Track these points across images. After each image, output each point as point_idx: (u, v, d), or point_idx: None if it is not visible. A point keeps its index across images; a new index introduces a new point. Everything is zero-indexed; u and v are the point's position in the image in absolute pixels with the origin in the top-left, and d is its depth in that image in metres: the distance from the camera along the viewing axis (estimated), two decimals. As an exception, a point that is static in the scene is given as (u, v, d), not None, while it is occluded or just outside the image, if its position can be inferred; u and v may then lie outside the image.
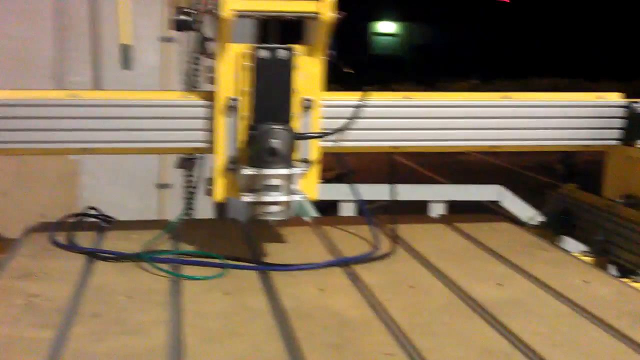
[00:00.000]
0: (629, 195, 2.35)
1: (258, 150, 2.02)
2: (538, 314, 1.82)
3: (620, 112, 2.35)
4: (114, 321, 1.71)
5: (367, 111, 2.25)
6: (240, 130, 2.14)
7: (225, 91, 2.13)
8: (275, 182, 2.02)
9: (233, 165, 2.15)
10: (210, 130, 2.19)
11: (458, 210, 2.90)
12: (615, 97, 2.40)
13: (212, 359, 1.56)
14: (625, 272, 2.33)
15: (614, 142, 2.37)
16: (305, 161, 2.17)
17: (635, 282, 2.18)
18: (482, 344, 1.65)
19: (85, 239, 2.30)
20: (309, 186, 2.17)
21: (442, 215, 2.75)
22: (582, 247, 2.56)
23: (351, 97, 2.25)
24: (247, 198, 2.02)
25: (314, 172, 2.19)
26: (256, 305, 1.84)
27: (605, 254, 2.44)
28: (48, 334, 1.62)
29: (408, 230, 2.47)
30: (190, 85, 2.58)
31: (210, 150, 2.20)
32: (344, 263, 2.15)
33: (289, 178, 2.03)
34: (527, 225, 2.73)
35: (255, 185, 2.03)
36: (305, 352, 1.58)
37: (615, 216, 2.41)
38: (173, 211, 3.15)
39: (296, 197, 2.03)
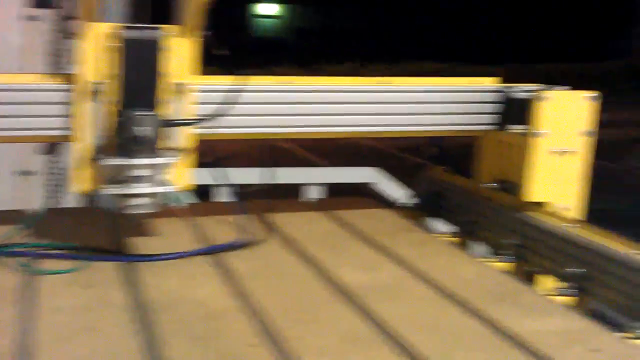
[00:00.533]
0: (503, 180, 2.37)
1: (123, 139, 1.88)
2: (404, 298, 1.84)
3: (494, 97, 2.36)
4: None
5: (244, 96, 2.15)
6: (105, 117, 1.99)
7: (88, 74, 1.97)
8: (140, 172, 1.89)
9: (97, 155, 2.00)
10: (72, 116, 2.03)
11: (337, 193, 2.89)
12: (490, 82, 2.41)
13: (64, 359, 1.47)
14: (492, 252, 2.38)
15: (488, 127, 2.38)
16: (176, 149, 2.05)
17: (500, 262, 2.24)
18: (347, 330, 1.64)
19: None
20: (180, 176, 2.05)
21: (317, 200, 2.75)
22: (451, 228, 2.62)
23: (226, 82, 2.14)
24: (109, 190, 1.89)
25: (186, 161, 2.07)
26: (117, 299, 1.76)
27: (472, 235, 2.49)
28: None
29: (282, 216, 2.44)
30: (55, 68, 2.40)
31: (69, 138, 2.04)
32: (212, 251, 2.08)
33: (156, 168, 1.91)
34: (400, 207, 2.78)
35: (120, 176, 1.90)
36: (165, 346, 1.51)
37: (482, 198, 2.46)
38: (36, 200, 2.95)
39: (165, 189, 1.92)
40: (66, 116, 2.03)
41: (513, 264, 2.26)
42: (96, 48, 1.96)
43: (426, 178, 2.81)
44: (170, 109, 2.02)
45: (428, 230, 2.55)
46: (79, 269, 1.89)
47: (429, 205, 2.76)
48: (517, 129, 2.30)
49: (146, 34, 1.96)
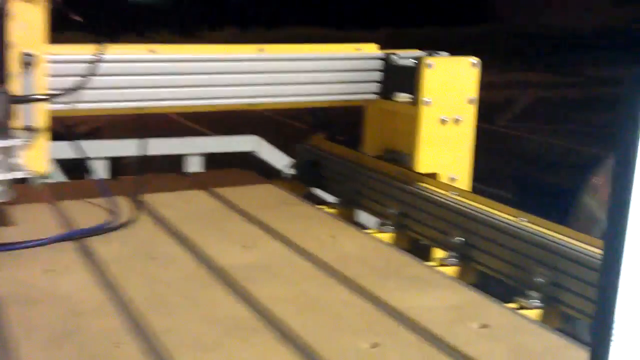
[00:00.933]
0: (391, 150, 2.28)
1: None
2: (285, 278, 1.71)
3: (378, 64, 2.25)
4: None
5: (106, 67, 1.93)
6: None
7: None
8: (-11, 157, 1.66)
9: None
10: None
11: (217, 164, 2.73)
12: (373, 49, 2.30)
13: None
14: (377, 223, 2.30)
15: (372, 97, 2.28)
16: (29, 129, 1.82)
17: (381, 232, 2.16)
18: (224, 317, 1.50)
19: None
20: (36, 159, 1.83)
21: (193, 174, 2.58)
22: (331, 198, 2.53)
23: (85, 51, 1.92)
24: (-46, 178, 1.65)
25: (42, 141, 1.85)
26: None
27: (353, 206, 2.40)
28: None
29: (155, 194, 2.24)
30: None
31: None
32: (77, 236, 1.85)
33: (6, 151, 1.68)
34: (282, 178, 2.66)
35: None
36: (18, 350, 1.31)
37: (362, 167, 2.37)
38: None
39: (17, 174, 1.69)
40: None
41: (396, 235, 2.17)
42: None
43: (305, 147, 2.69)
44: (19, 83, 1.79)
45: (308, 202, 2.41)
46: None
47: (309, 174, 2.65)
48: (402, 97, 2.21)
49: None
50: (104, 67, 1.92)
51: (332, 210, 2.38)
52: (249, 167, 2.65)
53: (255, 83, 2.13)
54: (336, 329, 1.47)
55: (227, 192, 2.35)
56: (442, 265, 1.94)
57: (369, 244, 1.98)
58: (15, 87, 1.77)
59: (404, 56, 2.22)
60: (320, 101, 2.24)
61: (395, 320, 1.51)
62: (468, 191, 2.12)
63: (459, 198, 2.02)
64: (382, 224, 2.21)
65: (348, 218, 2.35)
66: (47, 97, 1.82)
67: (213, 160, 2.63)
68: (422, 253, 2.05)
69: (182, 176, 2.55)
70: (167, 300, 1.56)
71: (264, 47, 2.15)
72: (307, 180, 2.62)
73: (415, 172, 2.20)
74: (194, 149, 2.60)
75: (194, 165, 2.64)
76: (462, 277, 1.90)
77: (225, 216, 2.15)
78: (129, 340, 1.39)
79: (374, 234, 2.13)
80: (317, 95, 2.22)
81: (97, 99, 1.95)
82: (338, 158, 2.52)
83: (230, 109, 2.19)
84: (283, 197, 2.38)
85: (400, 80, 2.20)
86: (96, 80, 1.90)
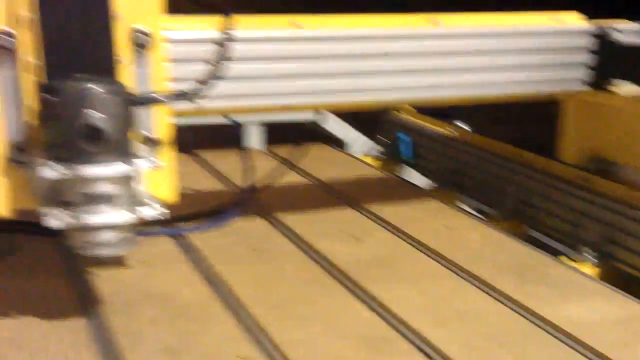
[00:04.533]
0: (599, 159, 1.75)
1: (64, 133, 1.10)
2: (408, 277, 1.50)
3: (588, 41, 1.69)
4: None
5: (238, 50, 1.39)
6: (27, 91, 1.20)
7: None
8: (104, 188, 1.12)
9: (20, 155, 1.21)
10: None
11: (277, 138, 2.53)
12: (578, 20, 1.73)
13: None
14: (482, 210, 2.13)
15: (578, 87, 1.71)
16: (151, 141, 1.28)
17: (494, 220, 1.93)
18: (354, 327, 1.30)
19: None
20: (163, 184, 1.29)
21: (267, 149, 2.40)
22: (428, 180, 2.35)
23: (206, 26, 1.38)
24: (53, 222, 1.10)
25: (168, 158, 1.30)
26: (53, 292, 1.35)
27: (456, 189, 2.18)
28: None
29: (227, 167, 2.15)
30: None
31: None
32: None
33: (127, 181, 1.14)
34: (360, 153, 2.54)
35: (68, 195, 1.12)
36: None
37: (466, 145, 2.17)
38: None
39: (144, 213, 1.15)
40: None
41: (510, 225, 1.91)
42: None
43: (392, 119, 2.50)
44: (132, 75, 1.25)
45: (412, 185, 2.24)
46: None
47: (399, 151, 2.45)
48: (626, 88, 1.65)
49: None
50: (235, 49, 1.38)
51: (435, 195, 2.14)
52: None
53: (428, 69, 1.57)
54: (484, 344, 1.23)
55: (318, 171, 2.19)
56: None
57: (492, 237, 1.75)
58: (128, 80, 1.24)
59: (628, 30, 1.65)
60: (508, 94, 1.67)
61: (554, 337, 1.26)
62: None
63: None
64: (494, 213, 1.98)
65: (448, 202, 2.07)
66: (181, 95, 1.26)
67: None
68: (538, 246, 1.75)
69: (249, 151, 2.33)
70: (285, 305, 1.37)
71: (439, 18, 1.58)
72: (397, 157, 2.39)
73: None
74: (253, 116, 2.35)
75: (253, 138, 2.36)
76: (604, 280, 1.56)
77: (324, 200, 1.99)
78: (256, 355, 1.19)
79: (491, 224, 1.88)
80: (502, 86, 1.64)
81: (229, 94, 1.40)
82: (433, 132, 2.32)
83: (390, 104, 1.67)
84: (379, 177, 2.24)
85: (624, 65, 1.64)
86: (228, 68, 1.36)
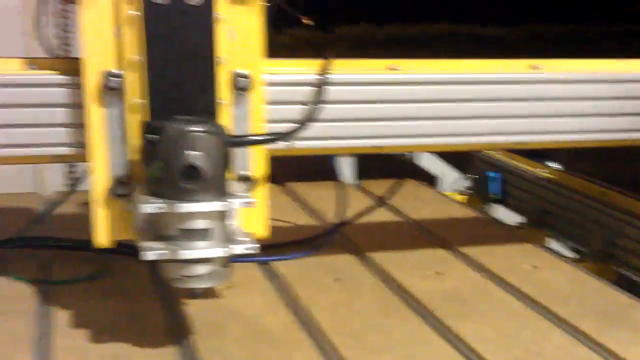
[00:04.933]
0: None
1: (165, 171, 1.15)
2: (487, 314, 1.48)
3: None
4: None
5: (334, 92, 1.41)
6: (132, 129, 1.27)
7: (98, 61, 1.25)
8: (199, 224, 1.16)
9: (123, 189, 1.28)
10: (79, 126, 1.31)
11: (367, 170, 2.59)
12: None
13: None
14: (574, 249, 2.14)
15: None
16: (246, 179, 1.33)
17: (582, 261, 1.93)
18: (429, 357, 1.31)
19: None
20: (255, 219, 1.34)
21: (359, 183, 2.44)
22: (516, 218, 2.35)
23: (304, 69, 1.41)
24: (151, 254, 1.15)
25: (261, 195, 1.36)
26: (148, 313, 1.42)
27: (545, 227, 2.18)
28: None
29: (314, 198, 2.22)
30: (61, 43, 1.86)
31: (82, 157, 1.32)
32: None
33: (222, 216, 1.18)
34: (449, 190, 2.60)
35: (165, 229, 1.17)
36: None
37: (556, 185, 2.16)
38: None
39: (237, 249, 1.18)
40: (74, 126, 1.32)
41: (599, 266, 1.89)
42: (107, 18, 1.24)
43: (483, 157, 2.51)
44: (231, 116, 1.30)
45: (500, 222, 2.25)
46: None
47: (490, 189, 2.45)
48: None
49: (188, -4, 1.23)
50: (331, 91, 1.41)
51: (519, 232, 2.18)
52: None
53: (529, 114, 1.55)
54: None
55: (404, 206, 2.20)
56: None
57: (577, 277, 1.72)
58: (226, 121, 1.29)
59: None
60: (607, 140, 1.62)
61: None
62: None
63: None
64: (579, 252, 2.01)
65: (536, 241, 2.02)
66: (273, 137, 1.31)
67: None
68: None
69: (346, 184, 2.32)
70: (363, 334, 1.38)
71: (539, 63, 1.56)
72: (486, 195, 2.39)
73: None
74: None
75: (346, 169, 2.41)
76: None
77: (409, 235, 2.02)
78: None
79: (578, 264, 1.87)
80: (600, 132, 1.60)
81: (322, 136, 1.43)
82: (525, 172, 2.32)
83: (489, 148, 1.66)
84: (467, 214, 2.23)
85: None
86: (324, 110, 1.39)
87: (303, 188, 2.43)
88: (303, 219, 2.12)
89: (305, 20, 1.41)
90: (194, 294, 1.24)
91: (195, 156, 1.14)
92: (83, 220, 1.57)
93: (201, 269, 1.17)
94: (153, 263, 1.18)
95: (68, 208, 1.95)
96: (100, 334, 1.34)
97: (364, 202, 2.15)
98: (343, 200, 1.90)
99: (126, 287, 1.57)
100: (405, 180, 2.14)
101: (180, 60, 1.23)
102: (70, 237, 1.78)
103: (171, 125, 1.15)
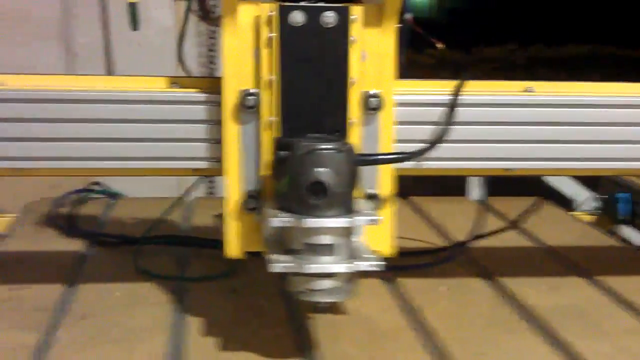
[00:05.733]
0: None
1: (293, 186, 1.19)
2: (609, 333, 1.44)
3: None
4: (107, 325, 1.42)
5: (466, 112, 1.41)
6: (265, 146, 1.32)
7: (236, 80, 1.31)
8: (325, 239, 1.18)
9: (254, 203, 1.33)
10: (216, 142, 1.38)
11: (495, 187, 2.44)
12: None
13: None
14: None
15: None
16: (373, 197, 1.34)
17: None
18: None
19: (87, 219, 2.11)
20: (381, 237, 1.35)
21: (486, 200, 2.27)
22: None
23: (439, 90, 1.42)
24: (278, 267, 1.19)
25: (388, 213, 1.37)
26: (271, 309, 1.51)
27: None
28: (29, 339, 1.34)
29: (439, 214, 2.25)
30: (207, 62, 1.84)
31: (218, 171, 1.39)
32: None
33: (347, 232, 1.21)
34: (578, 210, 2.52)
35: (291, 243, 1.21)
36: None
37: None
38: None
39: (362, 266, 1.19)
40: (211, 141, 1.39)
41: None
42: (246, 40, 1.30)
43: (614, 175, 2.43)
44: (360, 135, 1.33)
45: (626, 242, 2.19)
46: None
47: (619, 209, 2.40)
48: None
49: (323, 17, 1.26)
50: (463, 112, 1.40)
51: None
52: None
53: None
54: None
55: (534, 226, 2.14)
56: None
57: None
58: (356, 140, 1.31)
59: None
60: None
61: None
62: None
63: None
64: None
65: None
66: (402, 156, 1.32)
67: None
68: None
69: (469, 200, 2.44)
70: (473, 340, 1.39)
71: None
72: (615, 215, 2.34)
73: None
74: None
75: (475, 186, 2.43)
76: None
77: (524, 247, 2.00)
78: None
79: None
80: None
81: (451, 157, 1.42)
82: None
83: (627, 174, 1.59)
84: (590, 233, 2.20)
85: None
86: (455, 131, 1.39)
87: (427, 203, 2.41)
88: (426, 234, 2.11)
89: (437, 44, 1.41)
90: (317, 307, 1.27)
91: (323, 173, 1.16)
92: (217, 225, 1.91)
93: (326, 284, 1.19)
94: (280, 274, 1.22)
95: (204, 212, 2.18)
96: (227, 325, 1.44)
97: (491, 221, 2.11)
98: (479, 218, 1.87)
99: (253, 285, 1.65)
100: (534, 199, 2.10)
101: (314, 80, 1.27)
102: (205, 237, 1.92)
103: (301, 143, 1.18)
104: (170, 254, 1.86)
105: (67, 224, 2.03)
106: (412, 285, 1.66)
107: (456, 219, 2.18)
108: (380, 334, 1.41)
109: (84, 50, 3.74)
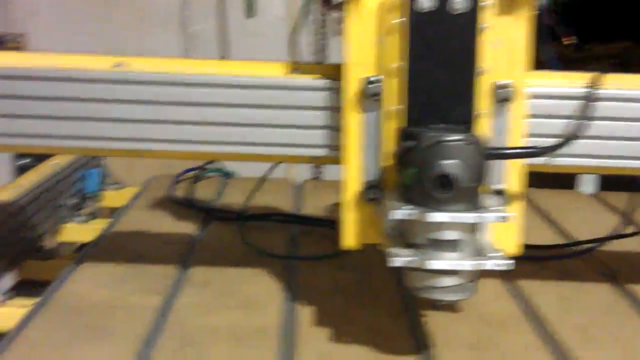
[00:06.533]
0: None
1: (418, 178, 1.13)
2: None
3: None
4: (225, 293, 1.51)
5: (600, 107, 1.32)
6: (387, 135, 1.27)
7: (359, 67, 1.26)
8: (450, 235, 1.13)
9: (374, 194, 1.29)
10: (335, 129, 1.34)
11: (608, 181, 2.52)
12: None
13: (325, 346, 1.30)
14: None
15: None
16: (501, 193, 1.27)
17: None
18: None
19: (203, 195, 2.22)
20: (507, 235, 1.28)
21: (598, 194, 2.29)
22: None
23: (574, 83, 1.33)
24: (398, 261, 1.14)
25: (515, 210, 1.29)
26: (382, 287, 1.56)
27: None
28: (154, 301, 1.45)
29: (555, 206, 2.19)
30: (317, 49, 1.80)
31: (336, 160, 1.36)
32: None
33: (474, 228, 1.14)
34: None
35: (413, 237, 1.16)
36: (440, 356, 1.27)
37: None
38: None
39: (487, 264, 1.13)
40: (330, 128, 1.35)
41: None
42: (370, 26, 1.25)
43: None
44: (489, 128, 1.26)
45: None
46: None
47: None
48: None
49: (451, 3, 1.20)
50: (599, 107, 1.30)
51: None
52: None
53: None
54: None
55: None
56: None
57: None
58: (484, 132, 1.24)
59: None
60: None
61: None
62: None
63: None
64: None
65: None
66: (538, 151, 1.24)
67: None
68: None
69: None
70: (586, 328, 1.39)
71: None
72: None
73: None
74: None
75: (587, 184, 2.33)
76: None
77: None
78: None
79: None
80: None
81: (583, 153, 1.32)
82: None
83: None
84: None
85: None
86: (591, 126, 1.29)
87: (538, 195, 2.31)
88: (542, 230, 2.03)
89: (565, 40, 1.32)
90: (436, 305, 1.21)
91: (450, 165, 1.10)
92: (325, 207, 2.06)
93: (448, 281, 1.13)
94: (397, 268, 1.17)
95: (313, 194, 2.30)
96: (336, 298, 1.50)
97: (607, 217, 2.06)
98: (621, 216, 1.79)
99: (364, 264, 1.68)
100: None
101: (441, 69, 1.21)
102: (316, 216, 2.02)
103: (428, 133, 1.13)
104: (280, 231, 1.94)
105: (185, 200, 2.14)
106: (523, 270, 1.63)
107: (571, 214, 2.11)
108: (493, 318, 1.41)
109: (199, 37, 3.84)
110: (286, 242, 1.86)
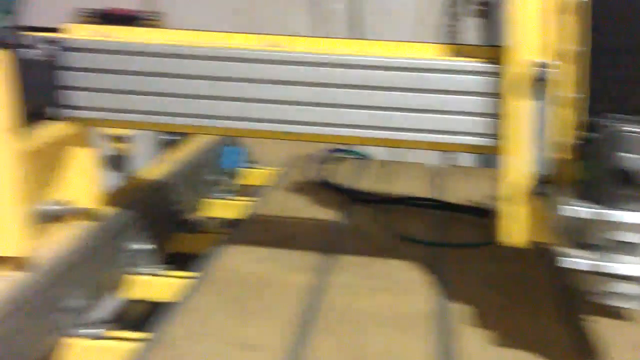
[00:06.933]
0: None
1: (598, 173, 1.04)
2: None
3: None
4: (371, 275, 1.52)
5: None
6: (558, 126, 1.18)
7: (524, 50, 1.18)
8: (632, 237, 1.03)
9: (542, 188, 1.20)
10: (496, 117, 1.26)
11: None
12: None
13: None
14: None
15: None
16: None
17: None
18: None
19: (341, 177, 2.22)
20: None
21: None
22: None
23: None
24: (572, 262, 1.06)
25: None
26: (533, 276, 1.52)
27: None
28: (305, 280, 1.49)
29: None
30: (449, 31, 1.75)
31: (496, 150, 1.28)
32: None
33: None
34: None
35: (589, 237, 1.07)
36: None
37: None
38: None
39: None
40: (490, 116, 1.28)
41: None
42: (537, 5, 1.16)
43: None
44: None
45: None
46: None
47: None
48: None
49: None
50: None
51: None
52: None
53: None
54: None
55: None
56: None
57: None
58: None
59: None
60: None
61: None
62: None
63: None
64: None
65: None
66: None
67: None
68: None
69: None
70: None
71: None
72: None
73: None
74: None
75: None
76: None
77: None
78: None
79: None
80: None
81: None
82: None
83: None
84: None
85: None
86: None
87: None
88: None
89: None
90: (607, 310, 1.12)
91: (631, 159, 1.01)
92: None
93: (626, 287, 1.04)
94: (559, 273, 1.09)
95: (455, 180, 2.24)
96: (489, 292, 1.46)
97: None
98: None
99: (514, 256, 1.58)
100: None
101: (626, 54, 1.11)
102: (467, 204, 1.96)
103: (611, 124, 1.03)
104: (422, 216, 1.91)
105: (328, 183, 2.15)
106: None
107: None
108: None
109: (333, 16, 3.82)
110: (429, 229, 1.82)
